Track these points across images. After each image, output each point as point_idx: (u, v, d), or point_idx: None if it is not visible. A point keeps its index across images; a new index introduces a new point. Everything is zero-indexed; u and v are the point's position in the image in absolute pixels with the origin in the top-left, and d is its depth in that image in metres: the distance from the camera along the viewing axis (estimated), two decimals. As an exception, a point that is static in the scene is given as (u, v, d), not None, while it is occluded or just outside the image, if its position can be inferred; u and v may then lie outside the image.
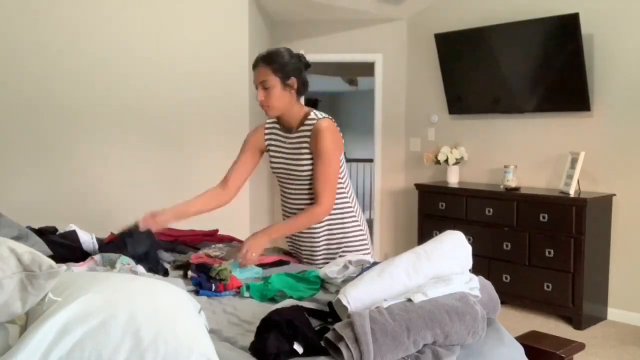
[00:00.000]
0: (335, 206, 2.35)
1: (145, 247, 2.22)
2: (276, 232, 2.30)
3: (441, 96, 5.14)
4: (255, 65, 2.27)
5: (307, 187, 2.35)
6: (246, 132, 4.26)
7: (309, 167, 2.30)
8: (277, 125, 2.42)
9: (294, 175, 2.35)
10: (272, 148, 2.44)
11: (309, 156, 2.29)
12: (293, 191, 2.41)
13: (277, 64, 2.22)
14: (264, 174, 5.08)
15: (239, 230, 3.39)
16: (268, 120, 2.46)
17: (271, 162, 2.45)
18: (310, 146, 2.27)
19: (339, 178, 2.35)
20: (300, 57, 2.31)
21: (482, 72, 4.72)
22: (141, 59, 3.77)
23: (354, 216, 2.42)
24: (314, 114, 2.30)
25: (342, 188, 2.38)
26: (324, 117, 2.29)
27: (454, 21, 4.98)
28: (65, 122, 3.49)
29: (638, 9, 3.99)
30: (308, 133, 2.28)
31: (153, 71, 3.82)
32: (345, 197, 2.40)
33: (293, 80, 2.25)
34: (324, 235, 2.41)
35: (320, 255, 2.45)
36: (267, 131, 2.46)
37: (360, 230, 2.44)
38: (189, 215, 2.39)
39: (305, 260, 2.51)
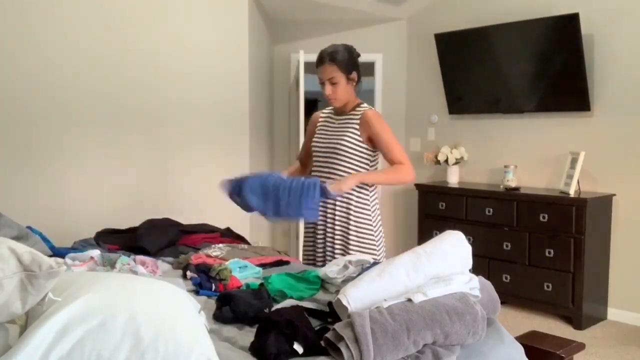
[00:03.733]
0: (359, 200, 2.51)
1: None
2: (367, 177, 2.49)
3: (441, 96, 5.14)
4: (321, 62, 2.51)
5: (343, 162, 2.52)
6: (247, 131, 4.29)
7: (351, 145, 2.51)
8: (332, 110, 2.69)
9: (334, 148, 2.54)
10: (320, 126, 2.69)
11: (354, 136, 2.51)
12: (327, 165, 2.57)
13: (342, 62, 2.49)
14: (264, 174, 5.07)
15: (239, 231, 3.38)
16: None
17: (315, 138, 2.66)
18: (362, 131, 2.51)
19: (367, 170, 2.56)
20: (354, 51, 2.56)
21: (482, 72, 4.72)
22: (140, 58, 3.77)
23: (369, 216, 2.54)
24: (365, 104, 2.60)
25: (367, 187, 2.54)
26: (372, 107, 2.59)
27: (454, 21, 4.98)
28: (65, 122, 3.49)
29: (638, 9, 3.99)
30: (356, 118, 2.54)
31: (152, 71, 3.82)
32: (367, 193, 2.55)
33: (354, 74, 2.53)
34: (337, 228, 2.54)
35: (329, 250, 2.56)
36: (322, 115, 2.73)
37: (371, 232, 2.53)
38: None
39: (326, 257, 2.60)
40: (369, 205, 2.53)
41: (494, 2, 4.75)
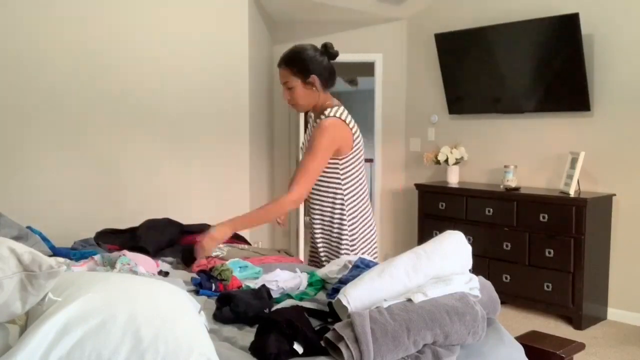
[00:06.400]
0: (335, 208, 2.38)
1: None
2: (241, 224, 2.26)
3: (441, 96, 5.14)
4: (278, 66, 2.35)
5: None
6: (247, 131, 4.29)
7: None
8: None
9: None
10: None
11: None
12: None
13: (297, 65, 2.28)
14: (263, 173, 5.08)
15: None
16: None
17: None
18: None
19: (338, 179, 2.36)
20: (325, 50, 2.34)
21: (482, 72, 4.72)
22: (141, 59, 3.77)
23: (352, 220, 2.40)
24: (330, 110, 2.33)
25: (340, 190, 2.37)
26: (334, 116, 2.30)
27: (454, 21, 4.98)
28: (64, 122, 3.49)
29: (638, 9, 3.99)
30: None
31: (152, 71, 3.82)
32: (342, 200, 2.39)
33: (313, 78, 2.29)
34: (320, 237, 2.44)
35: (322, 256, 2.47)
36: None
37: (354, 235, 2.41)
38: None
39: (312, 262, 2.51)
40: (345, 218, 2.40)
41: (494, 2, 4.75)
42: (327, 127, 2.26)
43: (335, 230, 2.40)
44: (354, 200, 2.42)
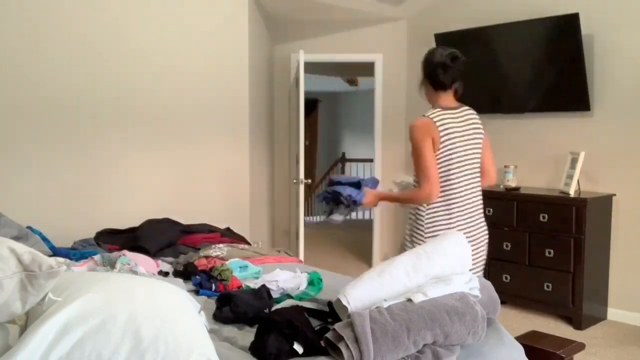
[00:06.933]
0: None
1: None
2: (387, 198, 2.64)
3: (441, 96, 5.14)
4: None
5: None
6: (247, 131, 4.29)
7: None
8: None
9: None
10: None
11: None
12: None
13: (422, 67, 2.64)
14: (263, 173, 5.08)
15: (239, 231, 3.39)
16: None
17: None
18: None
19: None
20: (428, 56, 2.65)
21: (482, 72, 4.72)
22: (140, 58, 3.77)
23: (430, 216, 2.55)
24: (425, 114, 2.56)
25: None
26: (423, 116, 2.55)
27: (454, 21, 4.98)
28: (64, 122, 3.49)
29: (638, 9, 3.99)
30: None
31: (153, 71, 3.82)
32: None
33: (425, 81, 2.65)
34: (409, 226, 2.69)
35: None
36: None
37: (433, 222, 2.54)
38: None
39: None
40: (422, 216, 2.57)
41: (494, 2, 4.75)
42: (411, 127, 2.51)
43: (412, 220, 2.60)
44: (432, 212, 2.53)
